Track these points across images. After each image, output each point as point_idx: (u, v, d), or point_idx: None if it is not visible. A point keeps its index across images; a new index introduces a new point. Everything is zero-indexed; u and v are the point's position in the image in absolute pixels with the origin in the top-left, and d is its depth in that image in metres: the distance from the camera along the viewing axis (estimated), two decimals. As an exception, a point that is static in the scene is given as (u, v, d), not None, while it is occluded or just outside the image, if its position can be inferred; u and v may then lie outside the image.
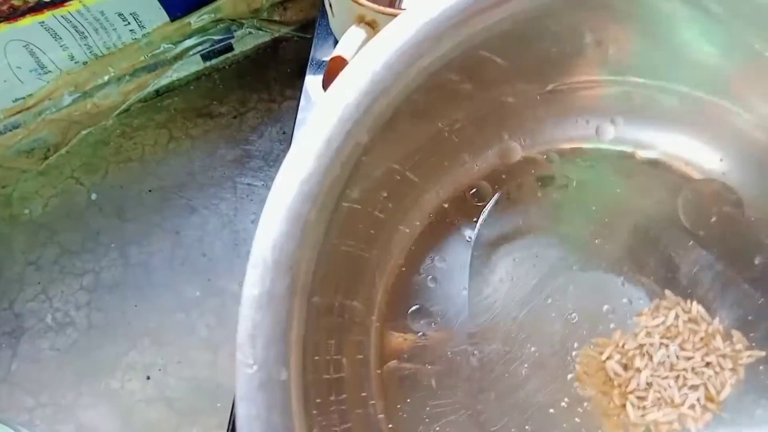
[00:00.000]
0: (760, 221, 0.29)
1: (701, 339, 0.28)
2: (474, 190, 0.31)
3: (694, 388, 0.28)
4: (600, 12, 0.25)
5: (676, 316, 0.28)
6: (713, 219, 0.29)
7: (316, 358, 0.21)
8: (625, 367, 0.28)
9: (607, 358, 0.28)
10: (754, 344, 0.29)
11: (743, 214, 0.29)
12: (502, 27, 0.22)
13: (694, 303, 0.29)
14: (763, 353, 0.28)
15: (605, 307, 0.29)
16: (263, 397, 0.17)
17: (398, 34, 0.21)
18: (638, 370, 0.28)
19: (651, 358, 0.28)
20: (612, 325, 0.29)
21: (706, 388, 0.28)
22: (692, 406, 0.28)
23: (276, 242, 0.18)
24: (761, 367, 0.29)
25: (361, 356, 0.27)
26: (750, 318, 0.29)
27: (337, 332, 0.25)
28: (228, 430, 0.34)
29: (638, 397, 0.28)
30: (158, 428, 0.46)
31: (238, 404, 0.17)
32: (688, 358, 0.29)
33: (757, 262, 0.29)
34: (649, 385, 0.28)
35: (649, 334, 0.28)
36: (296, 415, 0.18)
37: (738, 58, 0.26)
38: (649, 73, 0.29)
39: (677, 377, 0.28)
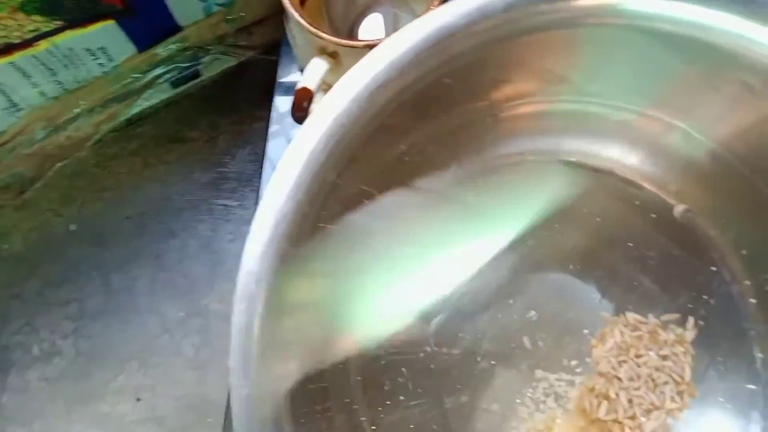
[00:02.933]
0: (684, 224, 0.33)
1: (648, 340, 0.32)
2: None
3: (665, 383, 0.31)
4: (537, 44, 0.27)
5: (621, 333, 0.31)
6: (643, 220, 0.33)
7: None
8: (603, 400, 0.31)
9: (582, 405, 0.31)
10: (683, 317, 0.32)
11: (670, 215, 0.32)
12: (451, 65, 0.25)
13: (629, 314, 0.32)
14: (692, 319, 0.32)
15: (559, 306, 0.32)
16: (258, 413, 0.20)
17: (357, 79, 0.23)
18: (615, 395, 0.31)
19: (618, 379, 0.31)
20: (569, 317, 0.32)
21: (673, 379, 0.31)
22: (672, 399, 0.31)
23: (259, 276, 0.21)
24: (701, 337, 0.32)
25: (342, 366, 0.30)
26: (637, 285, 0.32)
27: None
28: (221, 444, 0.36)
29: (629, 418, 0.30)
30: (151, 448, 0.48)
31: (236, 425, 0.20)
32: (647, 363, 0.32)
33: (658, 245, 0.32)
34: (630, 402, 0.31)
35: (607, 361, 0.31)
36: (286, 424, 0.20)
37: (668, 75, 0.29)
38: (589, 90, 0.31)
39: (647, 382, 0.31)
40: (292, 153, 0.22)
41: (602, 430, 0.30)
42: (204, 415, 0.49)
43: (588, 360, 0.31)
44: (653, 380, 0.31)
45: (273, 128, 0.45)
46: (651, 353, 0.31)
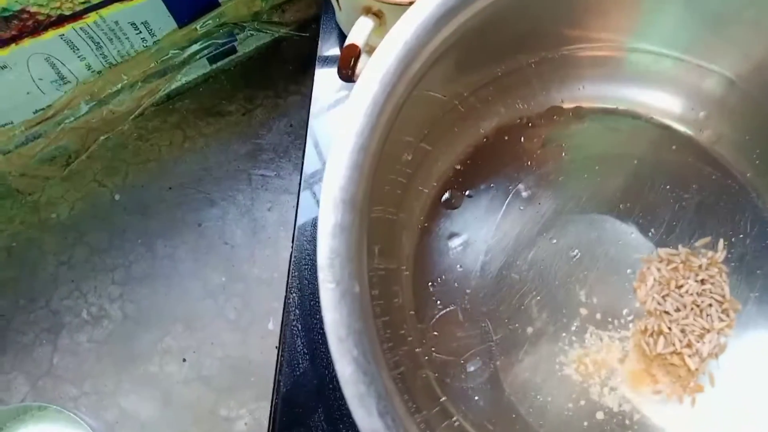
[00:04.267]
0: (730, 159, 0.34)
1: (684, 269, 0.33)
2: (480, 152, 0.35)
3: (709, 305, 0.33)
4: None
5: (657, 269, 0.33)
6: (679, 163, 0.34)
7: (373, 292, 0.25)
8: (658, 336, 0.32)
9: (641, 345, 0.32)
10: (713, 240, 0.33)
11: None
12: (494, 8, 0.26)
13: (660, 249, 0.33)
14: (722, 241, 0.33)
15: (601, 245, 0.34)
16: (344, 305, 0.21)
17: (413, 20, 0.25)
18: (668, 329, 0.32)
19: (666, 312, 0.32)
20: (611, 256, 0.34)
21: (715, 299, 0.33)
22: (720, 318, 0.32)
23: (342, 184, 0.22)
24: (739, 273, 0.33)
25: (397, 300, 0.31)
26: (676, 224, 0.33)
27: (377, 280, 0.29)
28: (274, 390, 0.37)
29: (686, 346, 0.32)
30: (198, 406, 0.50)
31: (325, 314, 0.21)
32: (688, 291, 0.33)
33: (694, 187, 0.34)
34: (683, 332, 0.32)
35: (652, 299, 0.32)
36: (368, 319, 0.22)
37: (706, 23, 0.31)
38: (626, 37, 0.33)
39: (693, 309, 0.33)
40: (369, 74, 0.24)
41: (664, 364, 0.32)
42: (247, 375, 0.51)
43: (634, 302, 0.33)
44: (698, 306, 0.32)
45: (316, 98, 0.46)
46: (690, 281, 0.32)
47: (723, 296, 0.32)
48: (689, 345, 0.32)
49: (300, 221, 0.41)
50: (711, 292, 0.32)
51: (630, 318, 0.33)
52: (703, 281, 0.33)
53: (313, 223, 0.41)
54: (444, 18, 0.25)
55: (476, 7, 0.25)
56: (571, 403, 0.31)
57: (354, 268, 0.22)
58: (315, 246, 0.25)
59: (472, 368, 0.32)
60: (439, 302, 0.33)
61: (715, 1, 0.30)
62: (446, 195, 0.35)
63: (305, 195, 0.43)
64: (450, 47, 0.26)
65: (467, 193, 0.35)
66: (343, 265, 0.22)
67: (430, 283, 0.33)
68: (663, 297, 0.33)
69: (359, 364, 0.21)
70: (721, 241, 0.34)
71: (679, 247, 0.34)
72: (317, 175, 0.44)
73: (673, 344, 0.31)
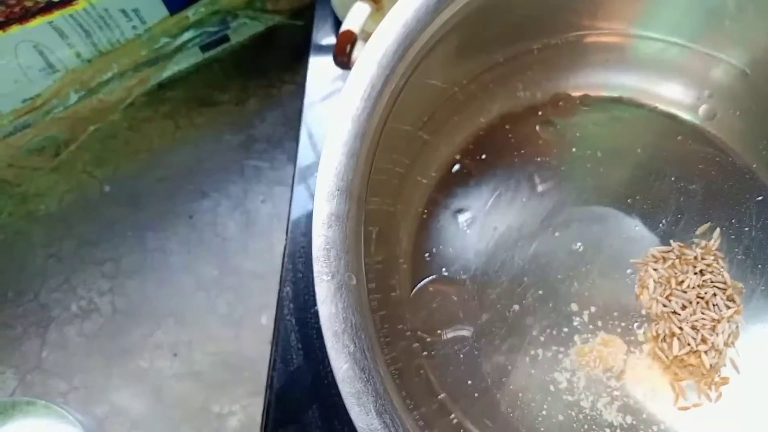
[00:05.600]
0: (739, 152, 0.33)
1: (681, 263, 0.32)
2: (480, 141, 0.34)
3: (713, 295, 0.32)
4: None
5: (654, 270, 0.32)
6: (684, 153, 0.33)
7: (370, 285, 0.24)
8: (672, 340, 0.31)
9: (656, 353, 0.31)
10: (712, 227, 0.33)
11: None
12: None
13: (651, 250, 0.33)
14: (716, 227, 0.32)
15: (605, 238, 0.33)
16: (340, 298, 0.20)
17: (413, 1, 0.24)
18: (680, 329, 0.31)
19: (674, 313, 0.32)
20: (614, 249, 0.33)
21: (718, 287, 0.32)
22: (726, 306, 0.32)
23: (339, 172, 0.21)
24: (745, 265, 0.32)
25: (394, 294, 0.30)
26: (681, 217, 0.33)
27: (374, 273, 0.28)
28: (267, 386, 0.37)
29: (701, 342, 0.31)
30: (189, 401, 0.49)
31: (320, 307, 0.20)
32: (690, 285, 0.32)
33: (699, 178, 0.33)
34: (694, 328, 0.31)
35: (656, 302, 0.31)
36: (366, 313, 0.21)
37: (713, 12, 0.30)
38: (631, 23, 0.32)
39: (698, 303, 0.32)
40: (367, 57, 0.23)
41: (683, 364, 0.31)
42: (240, 371, 0.50)
43: (636, 301, 0.32)
44: (702, 298, 0.31)
45: (310, 86, 0.45)
46: (689, 275, 0.32)
47: (725, 283, 0.32)
48: (704, 340, 0.31)
49: (294, 215, 0.40)
50: (712, 282, 0.32)
51: (634, 317, 0.32)
52: (702, 272, 0.32)
53: (308, 216, 0.41)
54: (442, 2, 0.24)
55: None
56: (573, 400, 0.31)
57: (350, 259, 0.21)
58: (310, 239, 0.24)
59: (472, 365, 0.31)
60: (438, 296, 0.33)
61: None
62: (446, 185, 0.34)
63: (299, 188, 0.42)
64: (451, 30, 0.25)
65: (468, 183, 0.34)
66: (339, 256, 0.21)
67: (429, 277, 0.32)
68: (667, 297, 0.32)
69: (356, 360, 0.20)
70: (718, 230, 0.33)
71: (671, 242, 0.33)
72: (312, 168, 0.43)
73: (688, 344, 0.31)
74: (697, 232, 0.33)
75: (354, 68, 0.23)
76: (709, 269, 0.32)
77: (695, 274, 0.32)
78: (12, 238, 0.52)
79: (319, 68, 0.47)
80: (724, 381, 0.31)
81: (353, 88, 0.22)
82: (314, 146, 0.43)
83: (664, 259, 0.33)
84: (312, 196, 0.41)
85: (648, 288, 0.32)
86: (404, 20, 0.24)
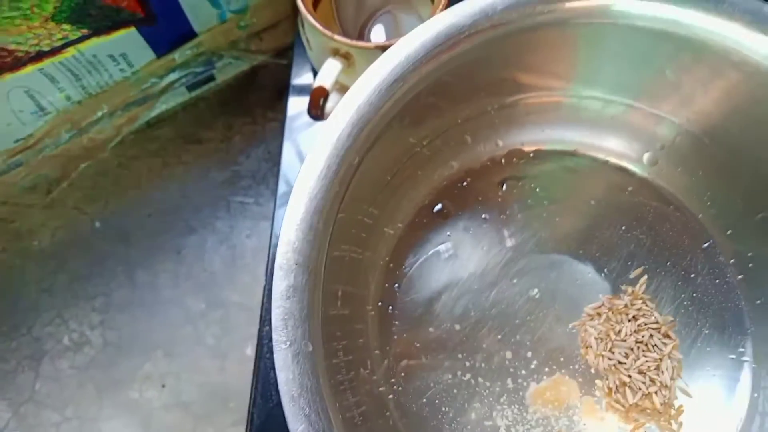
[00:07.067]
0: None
1: (614, 314, 0.34)
2: (443, 194, 0.36)
3: (650, 336, 0.34)
4: (534, 43, 0.30)
5: (593, 327, 0.34)
6: (635, 204, 0.35)
7: (333, 343, 0.26)
8: (625, 390, 0.33)
9: (612, 405, 0.33)
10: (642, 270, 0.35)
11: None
12: (458, 60, 0.28)
13: (588, 307, 0.35)
14: (641, 271, 0.34)
15: (559, 285, 0.35)
16: (297, 365, 0.22)
17: (377, 74, 0.26)
18: (629, 377, 0.33)
19: (620, 362, 0.34)
20: (569, 294, 0.35)
21: (652, 327, 0.34)
22: (663, 343, 0.34)
23: (296, 247, 0.23)
24: (690, 311, 0.34)
25: (362, 340, 0.32)
26: (631, 264, 0.35)
27: (341, 323, 0.30)
28: (248, 422, 0.38)
29: (650, 384, 0.33)
30: (177, 431, 0.51)
31: (279, 373, 0.22)
32: (627, 332, 0.34)
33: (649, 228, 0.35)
34: (641, 373, 0.33)
35: (602, 358, 0.34)
36: (322, 376, 0.23)
37: (650, 74, 0.32)
38: (576, 85, 0.34)
39: (639, 347, 0.34)
40: (323, 139, 0.25)
41: (639, 409, 0.33)
42: (226, 401, 0.52)
43: (588, 368, 0.34)
44: (641, 342, 0.34)
45: (288, 127, 0.48)
46: (624, 324, 0.34)
47: (657, 322, 0.34)
48: (653, 381, 0.33)
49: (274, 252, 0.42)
50: (646, 324, 0.34)
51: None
52: (635, 317, 0.34)
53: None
54: (397, 82, 0.26)
55: (429, 66, 0.27)
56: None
57: (308, 328, 0.23)
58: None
59: (437, 404, 0.33)
60: (404, 338, 0.35)
61: (639, 54, 0.31)
62: (412, 235, 0.36)
63: (279, 223, 0.44)
64: (406, 106, 0.27)
65: (432, 233, 0.37)
66: (296, 326, 0.23)
67: (395, 322, 0.34)
68: (610, 350, 0.34)
69: (311, 422, 0.22)
70: (645, 276, 0.35)
71: (600, 296, 0.35)
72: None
73: (639, 388, 0.33)
74: (631, 276, 0.35)
75: (310, 152, 0.25)
76: (641, 313, 0.34)
77: (629, 320, 0.34)
78: (6, 273, 0.54)
79: (298, 107, 0.49)
80: (680, 411, 0.33)
81: (310, 169, 0.24)
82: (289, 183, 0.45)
83: (599, 315, 0.35)
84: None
85: (591, 346, 0.34)
86: (358, 104, 0.26)
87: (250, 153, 0.58)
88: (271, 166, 0.57)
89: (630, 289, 0.35)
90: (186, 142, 0.58)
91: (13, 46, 0.46)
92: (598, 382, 0.34)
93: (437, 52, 0.27)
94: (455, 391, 0.33)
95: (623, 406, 0.33)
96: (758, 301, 0.34)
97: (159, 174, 0.57)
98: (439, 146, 0.34)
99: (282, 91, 0.58)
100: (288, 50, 0.59)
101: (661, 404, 0.33)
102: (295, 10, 0.57)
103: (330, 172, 0.25)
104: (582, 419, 0.33)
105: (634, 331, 0.34)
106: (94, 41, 0.49)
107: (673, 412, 0.33)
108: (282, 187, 0.44)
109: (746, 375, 0.33)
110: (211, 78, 0.59)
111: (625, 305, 0.34)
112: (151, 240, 0.55)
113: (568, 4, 0.28)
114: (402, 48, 0.27)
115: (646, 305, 0.34)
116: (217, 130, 0.58)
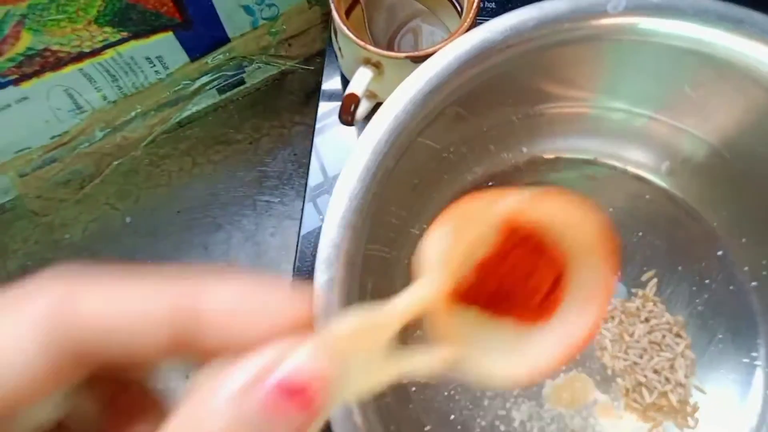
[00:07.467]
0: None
1: (626, 316, 0.36)
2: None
3: (663, 337, 0.35)
4: (563, 57, 0.32)
5: (607, 330, 0.35)
6: (652, 212, 0.37)
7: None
8: (640, 387, 0.34)
9: (630, 404, 0.34)
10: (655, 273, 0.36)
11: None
12: (489, 73, 0.30)
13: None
14: (652, 274, 0.36)
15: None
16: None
17: (414, 85, 0.28)
18: (644, 377, 0.34)
19: (635, 363, 0.35)
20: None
21: (664, 328, 0.36)
22: (676, 342, 0.35)
23: (336, 243, 0.25)
24: (704, 317, 0.36)
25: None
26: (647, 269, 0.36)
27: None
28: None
29: (665, 382, 0.34)
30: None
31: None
32: (640, 333, 0.36)
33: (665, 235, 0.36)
34: (656, 372, 0.35)
35: (617, 359, 0.35)
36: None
37: (673, 88, 0.34)
38: (600, 96, 0.36)
39: (652, 347, 0.35)
40: (363, 144, 0.27)
41: (656, 407, 0.34)
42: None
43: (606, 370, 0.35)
44: (654, 342, 0.35)
45: (318, 130, 0.50)
46: (637, 325, 0.35)
47: (669, 323, 0.36)
48: (667, 379, 0.34)
49: (301, 247, 0.44)
50: (657, 325, 0.35)
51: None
52: (647, 319, 0.36)
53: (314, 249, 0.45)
54: (432, 93, 0.28)
55: (462, 78, 0.28)
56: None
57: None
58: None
59: (452, 394, 0.35)
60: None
61: (663, 69, 0.33)
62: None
63: (308, 218, 0.46)
64: (437, 115, 0.29)
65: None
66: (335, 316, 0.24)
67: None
68: (625, 351, 0.36)
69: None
70: (655, 279, 0.36)
71: (612, 300, 0.37)
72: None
73: (655, 387, 0.34)
74: (643, 279, 0.37)
75: (351, 155, 0.27)
76: (652, 315, 0.36)
77: (641, 322, 0.36)
78: (38, 265, 0.56)
79: (327, 112, 0.51)
80: (695, 409, 0.35)
81: (350, 171, 0.26)
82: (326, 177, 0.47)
83: (612, 318, 0.36)
84: (318, 230, 0.45)
85: (607, 348, 0.36)
86: (395, 112, 0.28)
87: (276, 154, 0.59)
88: (296, 168, 0.59)
89: (641, 292, 0.36)
90: (215, 142, 0.60)
91: (56, 47, 0.48)
92: (615, 382, 0.35)
93: (470, 66, 0.29)
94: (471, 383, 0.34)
95: (641, 405, 0.34)
96: (770, 308, 0.36)
97: (189, 172, 0.59)
98: (464, 153, 0.36)
99: (309, 96, 0.60)
100: (315, 57, 0.61)
101: (678, 402, 0.35)
102: (324, 19, 0.60)
103: (369, 175, 0.26)
104: (597, 418, 0.35)
105: (647, 332, 0.35)
106: (133, 44, 0.51)
107: (689, 409, 0.35)
108: (312, 181, 0.47)
109: (759, 378, 0.35)
110: (241, 82, 0.61)
111: (637, 308, 0.36)
112: (180, 235, 0.57)
113: (595, 22, 0.30)
114: (438, 61, 0.28)
115: (657, 307, 0.36)
116: (246, 131, 0.60)
